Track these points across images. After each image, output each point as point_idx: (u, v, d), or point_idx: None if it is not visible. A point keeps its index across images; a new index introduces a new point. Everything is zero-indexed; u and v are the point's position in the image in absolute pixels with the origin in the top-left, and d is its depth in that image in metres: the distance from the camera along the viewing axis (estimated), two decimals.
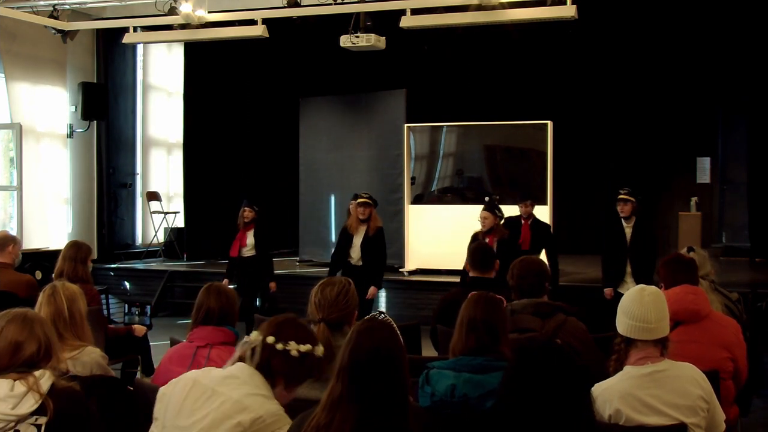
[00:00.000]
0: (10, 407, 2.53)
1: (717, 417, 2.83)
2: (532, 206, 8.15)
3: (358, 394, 2.15)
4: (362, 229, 7.49)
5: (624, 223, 6.88)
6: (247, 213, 7.92)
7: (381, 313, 2.36)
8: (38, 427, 2.56)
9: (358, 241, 7.49)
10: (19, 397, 2.55)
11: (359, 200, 7.50)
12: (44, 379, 2.62)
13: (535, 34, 9.43)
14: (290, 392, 2.56)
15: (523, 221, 8.04)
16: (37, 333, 2.70)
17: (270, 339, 2.49)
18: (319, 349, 2.57)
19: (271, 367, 2.49)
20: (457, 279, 7.46)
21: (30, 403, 2.55)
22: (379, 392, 2.15)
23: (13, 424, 2.54)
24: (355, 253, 7.49)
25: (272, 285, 8.09)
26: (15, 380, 2.58)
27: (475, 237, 7.16)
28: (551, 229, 8.64)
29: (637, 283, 6.59)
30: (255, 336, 2.53)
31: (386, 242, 7.73)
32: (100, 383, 3.36)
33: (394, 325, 2.34)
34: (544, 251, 7.94)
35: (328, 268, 7.81)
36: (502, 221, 7.42)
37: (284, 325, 2.55)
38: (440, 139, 10.86)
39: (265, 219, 8.36)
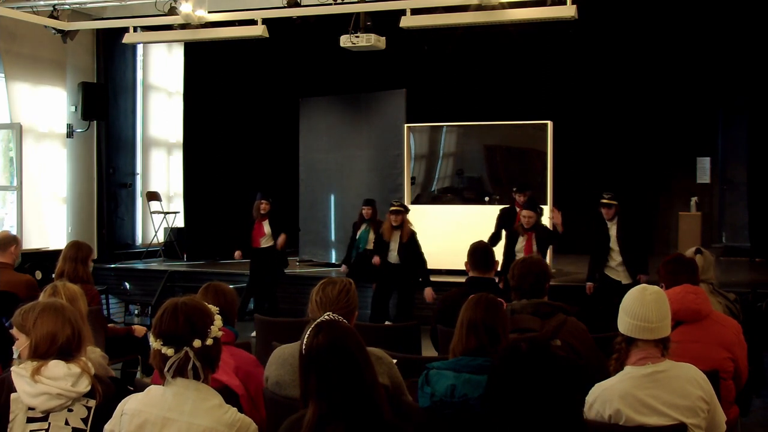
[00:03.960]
0: (70, 384, 2.64)
1: (718, 418, 2.83)
2: (530, 195, 8.36)
3: (318, 387, 2.18)
4: (396, 235, 8.02)
5: (608, 224, 7.42)
6: (264, 206, 8.51)
7: (329, 315, 2.37)
8: (88, 408, 2.67)
9: (394, 246, 8.04)
10: (76, 376, 2.67)
11: (392, 208, 8.06)
12: (89, 365, 2.75)
13: (535, 34, 9.43)
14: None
15: (518, 209, 8.15)
16: (70, 318, 2.80)
17: (197, 343, 2.41)
18: (214, 308, 2.54)
19: (211, 358, 2.46)
20: (457, 279, 7.47)
21: (85, 384, 2.68)
22: (336, 381, 2.17)
23: (70, 402, 2.65)
24: (393, 257, 8.06)
25: (281, 239, 8.52)
26: (67, 362, 2.69)
27: (514, 231, 7.70)
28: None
29: (630, 273, 7.10)
30: (168, 350, 2.39)
31: None
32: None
33: (340, 321, 2.35)
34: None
35: (329, 268, 7.98)
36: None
37: (191, 317, 2.43)
38: (440, 139, 10.87)
39: (278, 210, 8.85)
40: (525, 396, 2.13)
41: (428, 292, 7.82)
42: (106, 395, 2.70)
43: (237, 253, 8.60)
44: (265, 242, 8.56)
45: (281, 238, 8.52)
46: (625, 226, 7.38)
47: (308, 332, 2.27)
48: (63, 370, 2.66)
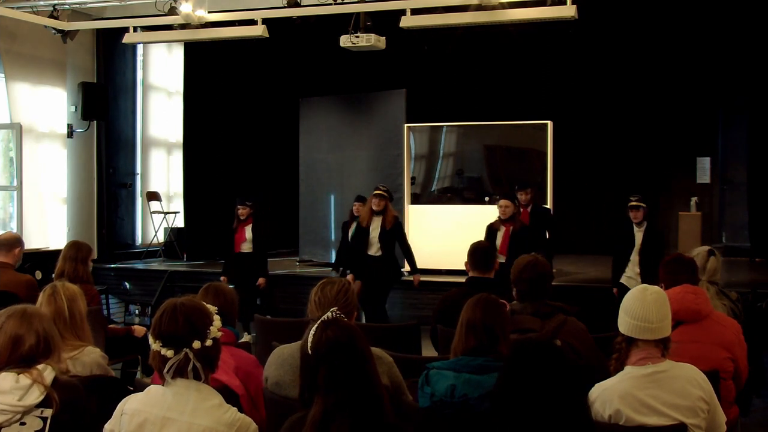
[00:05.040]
0: (17, 399, 2.55)
1: (718, 418, 2.83)
2: (532, 193, 8.21)
3: (326, 382, 2.21)
4: (377, 221, 7.51)
5: (635, 228, 7.09)
6: (241, 211, 8.17)
7: (333, 312, 2.39)
8: (44, 419, 2.58)
9: (375, 234, 7.50)
10: (24, 389, 2.58)
11: (375, 192, 7.56)
12: (47, 372, 2.65)
13: (535, 34, 9.43)
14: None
15: (521, 209, 8.05)
16: (36, 327, 2.71)
17: (196, 344, 2.41)
18: (212, 308, 2.54)
19: (210, 358, 2.46)
20: (457, 279, 7.46)
21: (35, 395, 2.58)
22: (344, 376, 2.21)
23: (19, 416, 2.56)
24: (373, 247, 7.52)
25: (261, 281, 8.17)
26: (19, 373, 2.60)
27: (491, 227, 7.37)
28: (551, 212, 8.83)
29: (645, 282, 6.90)
30: (168, 352, 2.39)
31: None
32: (100, 383, 3.36)
33: (344, 318, 2.38)
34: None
35: (329, 268, 7.84)
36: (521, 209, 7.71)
37: (190, 318, 2.44)
38: (440, 139, 10.86)
39: (262, 213, 8.53)
40: (537, 392, 2.13)
41: (416, 278, 7.66)
42: (65, 402, 2.62)
43: (223, 280, 8.08)
44: (245, 248, 8.23)
45: (261, 281, 8.18)
46: (650, 233, 7.06)
47: (314, 329, 2.29)
48: (10, 383, 2.58)
